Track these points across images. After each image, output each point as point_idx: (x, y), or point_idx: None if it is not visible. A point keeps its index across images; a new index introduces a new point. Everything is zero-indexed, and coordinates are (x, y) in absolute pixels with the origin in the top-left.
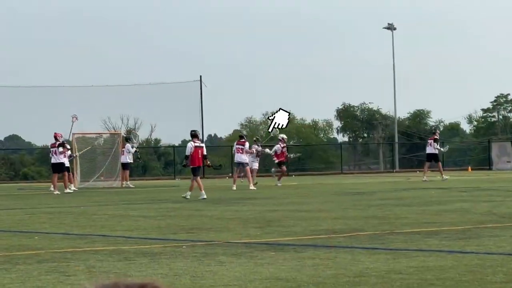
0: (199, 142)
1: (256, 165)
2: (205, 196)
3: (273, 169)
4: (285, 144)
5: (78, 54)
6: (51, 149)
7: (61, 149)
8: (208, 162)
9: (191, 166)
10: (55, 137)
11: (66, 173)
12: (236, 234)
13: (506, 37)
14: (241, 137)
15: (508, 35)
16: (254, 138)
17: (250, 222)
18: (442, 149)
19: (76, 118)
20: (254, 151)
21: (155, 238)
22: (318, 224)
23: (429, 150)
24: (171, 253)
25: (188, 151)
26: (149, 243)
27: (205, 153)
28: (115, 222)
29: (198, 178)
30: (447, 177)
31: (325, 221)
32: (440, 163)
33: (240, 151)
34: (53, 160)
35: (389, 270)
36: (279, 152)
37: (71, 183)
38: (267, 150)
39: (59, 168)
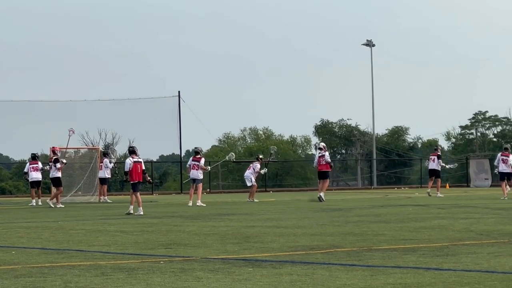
0: (137, 157)
1: (254, 181)
2: (141, 213)
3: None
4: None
5: (56, 69)
6: (49, 164)
7: (58, 165)
8: (148, 178)
9: (130, 182)
10: (53, 151)
11: (59, 188)
12: (213, 250)
13: (485, 54)
14: (197, 153)
15: (487, 53)
16: (261, 156)
17: (228, 238)
18: (447, 166)
19: (73, 132)
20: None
21: (132, 254)
22: (296, 240)
23: (432, 166)
24: (148, 269)
25: (127, 167)
26: (127, 258)
27: (143, 168)
28: (92, 237)
29: (138, 193)
30: (441, 195)
31: (303, 237)
32: (440, 180)
33: (196, 168)
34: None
35: (366, 286)
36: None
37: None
38: (263, 171)
39: (56, 182)
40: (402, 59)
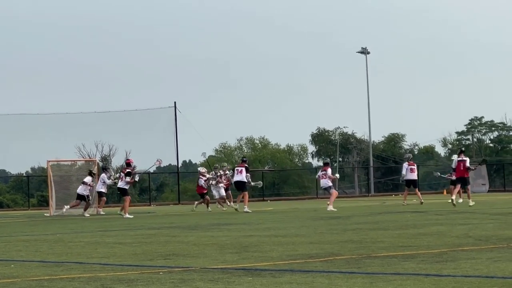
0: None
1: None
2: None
3: None
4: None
5: (53, 83)
6: (121, 174)
7: (128, 179)
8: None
9: None
10: (128, 164)
11: (127, 199)
12: (212, 260)
13: (479, 61)
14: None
15: (482, 59)
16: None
17: (227, 247)
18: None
19: (160, 163)
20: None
21: (131, 265)
22: (295, 249)
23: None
24: (147, 280)
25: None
26: (126, 270)
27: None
28: (91, 249)
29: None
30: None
31: (302, 246)
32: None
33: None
34: (119, 185)
35: None
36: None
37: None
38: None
39: (123, 192)
40: (397, 66)
